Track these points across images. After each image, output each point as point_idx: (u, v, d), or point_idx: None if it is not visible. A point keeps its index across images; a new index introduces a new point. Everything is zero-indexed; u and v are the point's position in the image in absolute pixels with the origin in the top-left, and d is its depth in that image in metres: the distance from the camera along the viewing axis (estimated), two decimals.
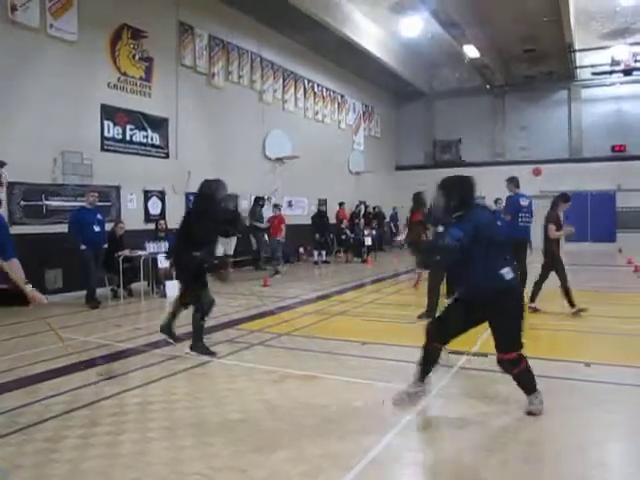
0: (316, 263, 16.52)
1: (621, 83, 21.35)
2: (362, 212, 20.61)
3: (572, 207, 22.81)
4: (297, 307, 9.14)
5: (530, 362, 4.90)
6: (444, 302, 8.41)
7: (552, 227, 8.35)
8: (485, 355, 5.83)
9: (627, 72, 18.81)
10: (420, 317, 7.86)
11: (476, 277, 4.00)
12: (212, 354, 5.90)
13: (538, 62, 21.44)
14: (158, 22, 12.55)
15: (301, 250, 17.97)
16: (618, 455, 3.65)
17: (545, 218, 8.54)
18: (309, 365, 5.56)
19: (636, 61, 18.41)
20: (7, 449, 3.58)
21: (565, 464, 3.38)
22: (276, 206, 15.16)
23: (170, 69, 12.98)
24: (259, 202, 15.39)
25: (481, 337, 6.52)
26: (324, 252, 17.23)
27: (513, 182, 9.72)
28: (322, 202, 19.04)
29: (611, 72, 19.35)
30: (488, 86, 22.87)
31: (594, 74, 20.06)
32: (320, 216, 17.53)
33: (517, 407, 4.25)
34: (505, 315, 4.00)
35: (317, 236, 17.03)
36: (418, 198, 9.32)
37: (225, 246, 12.90)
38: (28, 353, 6.07)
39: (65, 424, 4.00)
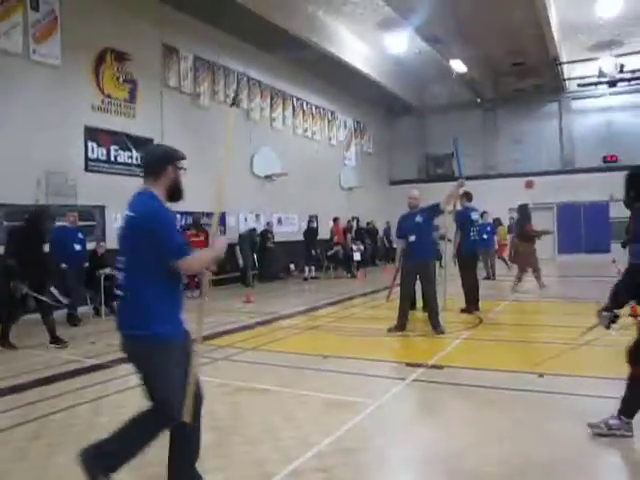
0: (306, 279, 16.61)
1: (610, 94, 21.51)
2: (354, 227, 20.77)
3: (565, 218, 22.83)
4: (272, 322, 9.24)
5: (482, 373, 5.04)
6: (415, 316, 8.62)
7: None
8: (441, 367, 5.94)
9: (612, 84, 18.96)
10: (389, 330, 7.96)
11: None
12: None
13: (527, 75, 21.63)
14: (142, 45, 12.85)
15: (292, 266, 18.08)
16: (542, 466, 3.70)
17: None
18: (265, 378, 5.67)
19: (620, 72, 18.55)
20: None
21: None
22: None
23: (155, 90, 13.26)
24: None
25: (443, 351, 6.70)
26: (313, 268, 17.31)
27: (466, 197, 9.80)
28: (313, 218, 19.18)
29: (596, 84, 19.51)
30: (479, 100, 23.05)
31: (580, 86, 20.23)
32: (310, 232, 17.70)
33: (455, 419, 4.34)
34: None
35: (313, 252, 17.23)
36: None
37: None
38: None
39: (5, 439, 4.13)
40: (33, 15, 10.50)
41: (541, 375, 5.43)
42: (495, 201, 21.23)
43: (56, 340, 7.68)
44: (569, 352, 6.62)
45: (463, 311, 9.41)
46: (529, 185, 22.55)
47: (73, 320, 9.41)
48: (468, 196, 9.80)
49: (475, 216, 9.68)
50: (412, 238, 7.94)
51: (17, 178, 10.23)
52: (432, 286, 7.95)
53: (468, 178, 23.18)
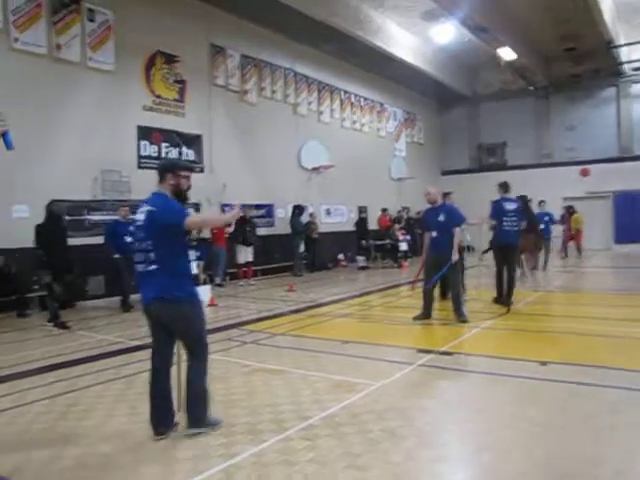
0: (363, 268, 17.19)
1: None
2: (404, 218, 20.96)
3: (623, 207, 22.19)
4: (307, 310, 9.72)
5: (487, 360, 5.34)
6: (447, 305, 8.87)
7: None
8: (450, 354, 6.26)
9: None
10: (415, 319, 8.28)
11: None
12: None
13: (582, 60, 21.10)
14: (190, 46, 13.57)
15: (340, 256, 18.55)
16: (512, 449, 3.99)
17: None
18: (284, 361, 6.15)
19: None
20: None
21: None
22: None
23: (203, 89, 13.98)
24: (296, 211, 15.99)
25: (458, 339, 7.02)
26: (364, 257, 17.78)
27: (502, 187, 9.78)
28: (363, 209, 19.53)
29: None
30: (532, 87, 22.65)
31: (635, 70, 19.56)
32: (361, 223, 18.18)
33: (444, 400, 4.69)
34: None
35: (363, 242, 17.74)
36: None
37: (244, 253, 13.70)
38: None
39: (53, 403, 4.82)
40: (89, 25, 11.39)
41: (544, 363, 5.66)
42: (549, 190, 20.88)
43: (56, 322, 8.65)
44: (580, 342, 6.83)
45: (495, 301, 9.57)
46: (585, 173, 22.05)
47: (126, 307, 10.23)
48: (504, 187, 9.76)
49: (510, 207, 9.62)
50: (434, 234, 8.25)
51: (77, 176, 11.17)
52: (455, 276, 8.22)
53: (522, 167, 22.90)
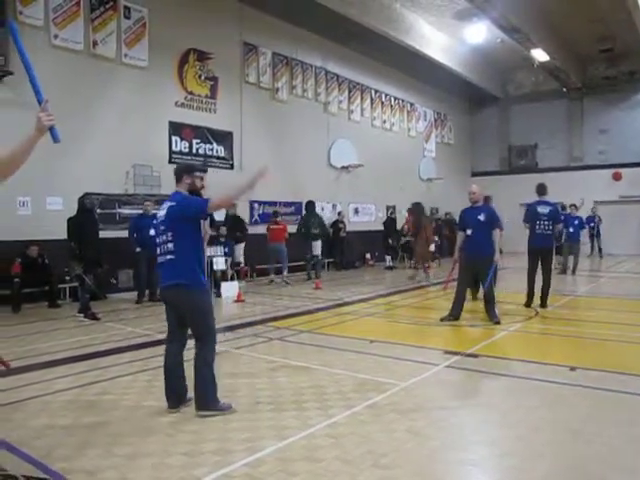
0: (389, 268, 17.07)
1: None
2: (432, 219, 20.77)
3: None
4: (333, 308, 9.74)
5: (514, 363, 5.28)
6: (476, 306, 8.77)
7: None
8: (476, 356, 6.20)
9: None
10: (442, 320, 8.22)
11: None
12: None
13: (617, 62, 20.73)
14: (223, 44, 13.72)
15: (367, 255, 18.50)
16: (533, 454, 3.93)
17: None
18: (310, 358, 6.17)
19: None
20: None
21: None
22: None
23: (234, 86, 14.10)
24: (308, 207, 15.62)
25: (485, 341, 6.95)
26: (390, 257, 17.68)
27: (537, 190, 9.67)
28: (391, 209, 19.42)
29: None
30: (565, 89, 22.27)
31: None
32: (389, 222, 18.06)
33: (467, 402, 4.65)
34: None
35: (390, 241, 17.65)
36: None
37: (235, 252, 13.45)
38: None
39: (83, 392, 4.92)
40: (125, 22, 11.60)
41: (573, 369, 5.56)
42: (580, 194, 20.51)
43: (86, 313, 8.79)
44: (610, 348, 6.70)
45: (526, 305, 9.45)
46: (617, 177, 21.61)
47: (139, 300, 10.47)
48: (540, 189, 9.67)
49: (543, 210, 9.51)
50: (469, 232, 8.17)
51: (109, 170, 11.37)
52: (488, 278, 8.14)
53: (552, 170, 22.59)
